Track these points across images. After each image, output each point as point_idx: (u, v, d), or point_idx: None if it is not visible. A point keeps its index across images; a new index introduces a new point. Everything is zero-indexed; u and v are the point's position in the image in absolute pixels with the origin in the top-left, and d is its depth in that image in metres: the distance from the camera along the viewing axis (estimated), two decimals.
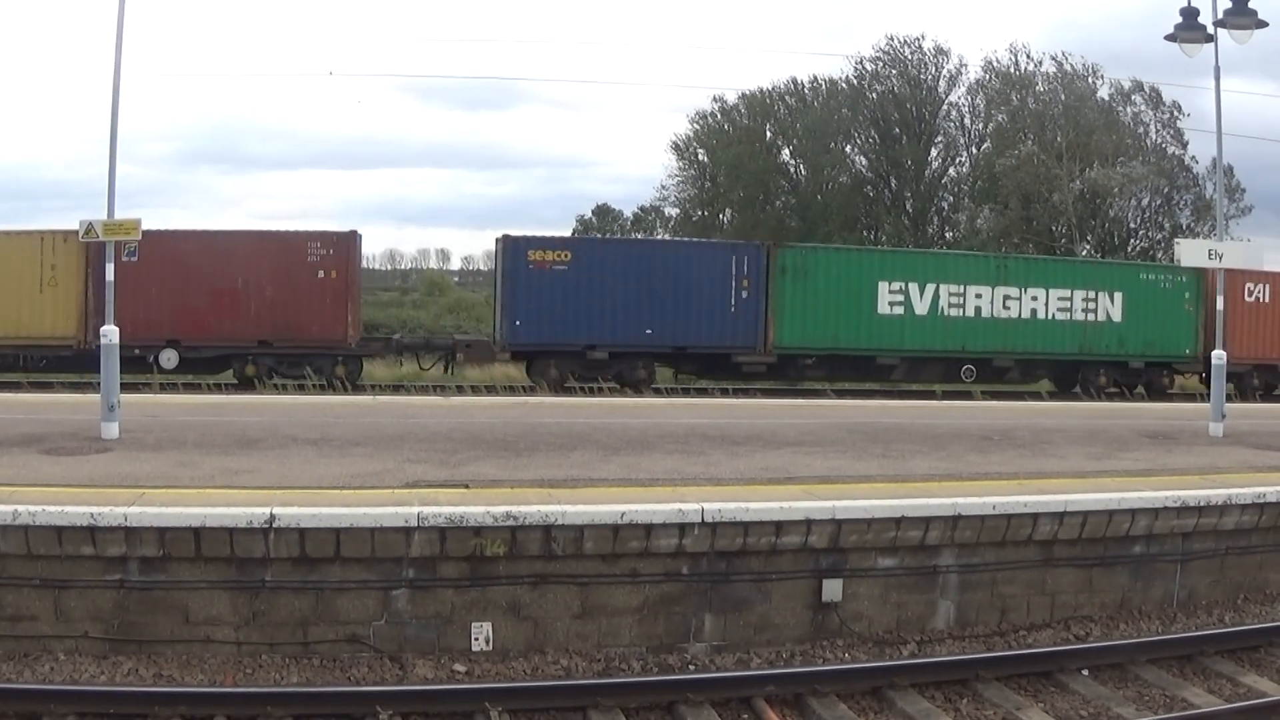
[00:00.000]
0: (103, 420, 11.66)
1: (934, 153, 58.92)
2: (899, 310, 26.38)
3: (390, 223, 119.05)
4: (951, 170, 59.47)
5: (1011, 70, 53.73)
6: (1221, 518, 10.10)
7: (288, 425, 12.90)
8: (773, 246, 26.79)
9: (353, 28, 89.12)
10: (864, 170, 59.77)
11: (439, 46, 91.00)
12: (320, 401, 17.62)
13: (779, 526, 8.79)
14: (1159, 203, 52.01)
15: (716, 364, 26.40)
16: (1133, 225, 52.60)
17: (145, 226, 12.39)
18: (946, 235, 56.11)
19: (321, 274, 24.55)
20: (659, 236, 62.84)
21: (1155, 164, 49.93)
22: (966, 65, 56.41)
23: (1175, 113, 51.18)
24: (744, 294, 25.67)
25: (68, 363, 23.68)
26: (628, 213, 69.14)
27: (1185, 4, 14.44)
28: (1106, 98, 51.49)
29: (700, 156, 63.65)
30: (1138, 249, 51.03)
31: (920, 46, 56.96)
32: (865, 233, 58.42)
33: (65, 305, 23.36)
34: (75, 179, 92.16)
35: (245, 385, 23.63)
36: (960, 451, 12.49)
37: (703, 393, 25.78)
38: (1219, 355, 15.13)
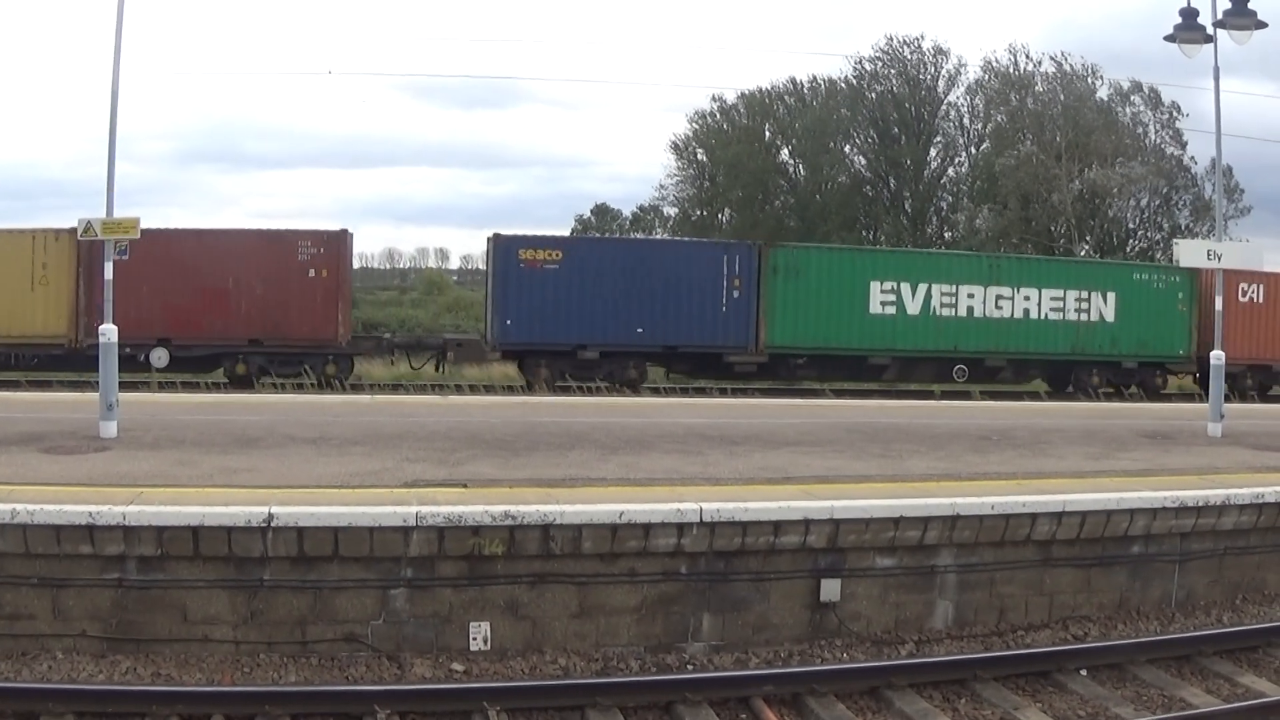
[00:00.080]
0: (101, 419, 11.66)
1: (933, 153, 58.90)
2: (891, 310, 26.36)
3: (389, 222, 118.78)
4: (950, 170, 59.55)
5: (1010, 70, 53.72)
6: (1220, 518, 10.10)
7: (286, 424, 12.91)
8: (764, 246, 26.77)
9: (351, 27, 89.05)
10: (863, 170, 59.71)
11: (437, 46, 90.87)
12: (319, 401, 17.63)
13: (777, 526, 8.79)
14: (1158, 203, 52.03)
15: (708, 363, 26.36)
16: (1132, 226, 52.62)
17: (141, 225, 12.38)
18: (945, 235, 56.08)
19: (312, 273, 24.53)
20: (657, 236, 62.81)
21: (1154, 164, 49.90)
22: (966, 65, 56.48)
23: (1174, 113, 51.27)
24: (735, 293, 25.64)
25: (59, 361, 23.69)
26: (626, 212, 69.19)
27: (1185, 4, 14.46)
28: (1105, 98, 51.51)
29: (699, 156, 63.60)
30: (1136, 249, 51.00)
31: (919, 46, 57.02)
32: (864, 233, 58.38)
33: (56, 304, 23.35)
34: (74, 178, 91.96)
35: (243, 384, 23.61)
36: (958, 451, 12.50)
37: (701, 392, 25.81)
38: (1218, 356, 15.09)
